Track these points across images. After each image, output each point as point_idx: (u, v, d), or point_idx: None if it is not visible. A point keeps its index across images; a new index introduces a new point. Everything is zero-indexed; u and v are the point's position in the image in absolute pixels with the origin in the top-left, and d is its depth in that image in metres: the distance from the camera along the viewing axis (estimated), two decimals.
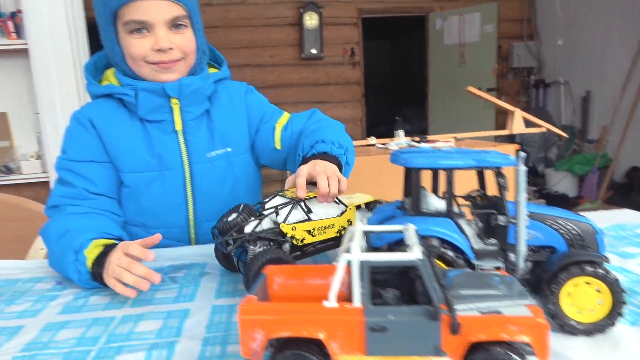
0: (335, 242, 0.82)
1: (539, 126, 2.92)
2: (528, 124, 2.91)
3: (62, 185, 0.98)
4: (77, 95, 2.48)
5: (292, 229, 0.77)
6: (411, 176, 0.58)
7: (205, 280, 0.82)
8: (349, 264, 0.43)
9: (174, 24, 0.94)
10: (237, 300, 0.73)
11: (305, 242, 0.79)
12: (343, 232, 0.82)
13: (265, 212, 0.78)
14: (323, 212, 0.81)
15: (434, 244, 0.50)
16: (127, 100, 1.00)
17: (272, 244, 0.75)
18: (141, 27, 0.93)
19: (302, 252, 0.80)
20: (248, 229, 0.76)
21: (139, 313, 0.71)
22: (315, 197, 0.80)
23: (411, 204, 0.58)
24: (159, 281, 0.72)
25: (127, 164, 1.02)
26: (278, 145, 1.13)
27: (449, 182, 0.56)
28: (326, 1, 5.37)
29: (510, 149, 2.25)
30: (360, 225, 0.51)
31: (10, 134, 2.67)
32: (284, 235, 0.76)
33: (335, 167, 0.87)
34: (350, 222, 0.83)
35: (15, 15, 2.42)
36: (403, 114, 7.66)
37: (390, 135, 3.01)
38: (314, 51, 5.40)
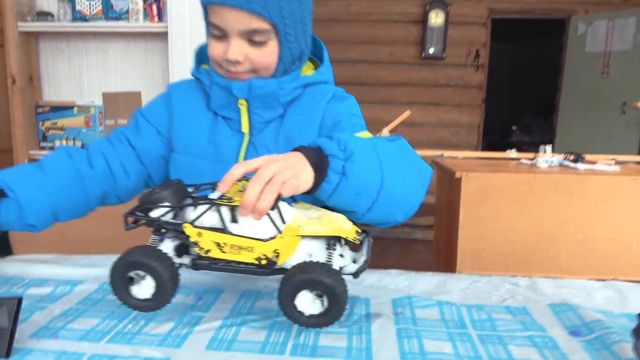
0: (250, 269, 0.64)
1: None
2: None
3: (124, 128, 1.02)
4: None
5: (197, 234, 0.61)
6: None
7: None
8: None
9: (252, 38, 0.84)
10: None
11: (211, 254, 0.62)
12: (264, 262, 0.62)
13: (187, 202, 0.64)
14: (251, 227, 0.61)
15: None
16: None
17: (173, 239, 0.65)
18: (219, 33, 0.85)
19: (209, 265, 0.64)
20: (156, 213, 0.63)
21: None
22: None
23: None
24: None
25: (183, 144, 0.97)
26: None
27: None
28: None
29: None
30: None
31: None
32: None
33: (302, 170, 0.62)
34: (277, 254, 0.61)
35: (159, 0, 2.46)
36: (522, 123, 7.06)
37: (505, 145, 2.71)
38: (435, 51, 5.09)
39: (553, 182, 1.84)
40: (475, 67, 5.18)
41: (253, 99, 0.91)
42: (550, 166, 2.04)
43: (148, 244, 0.64)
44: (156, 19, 2.45)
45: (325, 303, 0.60)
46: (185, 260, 0.65)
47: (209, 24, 0.86)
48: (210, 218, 0.62)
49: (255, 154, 0.94)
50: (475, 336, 0.62)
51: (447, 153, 2.33)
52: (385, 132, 2.27)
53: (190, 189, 0.69)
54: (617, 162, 2.21)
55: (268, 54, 0.86)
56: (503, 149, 2.55)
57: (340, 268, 0.63)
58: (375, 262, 0.71)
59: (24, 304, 0.70)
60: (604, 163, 2.08)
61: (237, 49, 0.84)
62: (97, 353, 0.58)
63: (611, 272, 1.89)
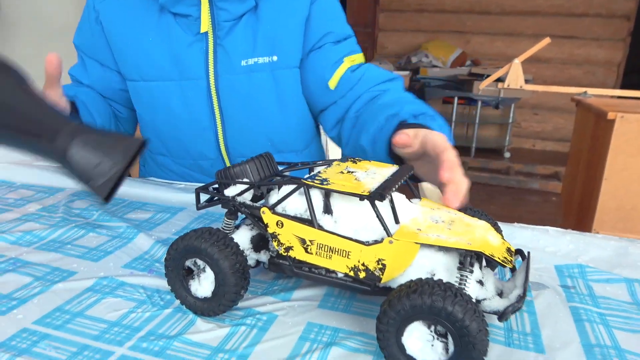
0: (346, 283, 0.45)
1: None
2: None
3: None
4: None
5: (277, 223, 0.45)
6: None
7: None
8: None
9: None
10: None
11: (292, 254, 0.45)
12: (362, 275, 0.43)
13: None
14: (350, 223, 0.43)
15: None
16: None
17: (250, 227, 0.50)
18: None
19: (289, 268, 0.47)
20: (230, 191, 0.49)
21: None
22: (338, 191, 0.42)
23: None
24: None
25: (134, 67, 0.80)
26: (333, 84, 0.81)
27: None
28: None
29: None
30: None
31: None
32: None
33: None
34: (382, 266, 0.41)
35: None
36: None
37: None
38: None
39: None
40: None
41: None
42: None
43: (220, 228, 0.48)
44: None
45: (451, 348, 0.36)
46: (263, 257, 0.49)
47: None
48: (298, 204, 0.45)
49: (227, 61, 0.77)
50: None
51: (592, 91, 1.96)
52: (516, 62, 1.95)
53: (281, 167, 0.55)
54: None
55: None
56: None
57: (478, 301, 0.42)
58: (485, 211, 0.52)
59: (121, 227, 0.63)
60: None
61: None
62: None
63: None
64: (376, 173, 0.46)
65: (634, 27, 4.55)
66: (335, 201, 0.44)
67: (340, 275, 0.44)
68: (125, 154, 0.43)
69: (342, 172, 0.46)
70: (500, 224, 0.58)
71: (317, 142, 0.96)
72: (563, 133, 4.66)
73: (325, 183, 0.43)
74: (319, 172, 0.47)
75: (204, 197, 0.51)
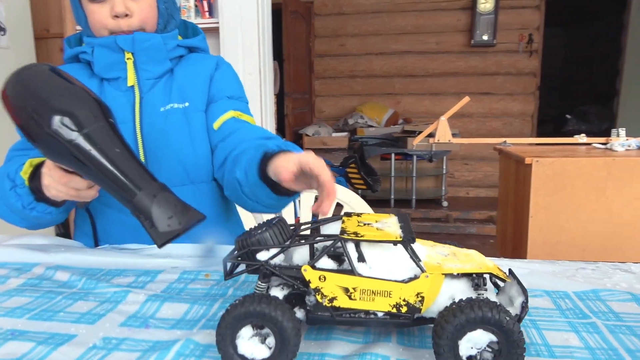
0: (387, 321, 0.51)
1: None
2: None
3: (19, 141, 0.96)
4: (259, 75, 2.46)
5: (320, 277, 0.50)
6: None
7: None
8: None
9: None
10: None
11: (336, 304, 0.51)
12: (404, 310, 0.50)
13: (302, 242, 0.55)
14: (382, 267, 0.51)
15: None
16: (87, 59, 0.97)
17: (288, 287, 0.54)
18: None
19: (331, 318, 0.52)
20: (262, 256, 0.53)
21: None
22: (376, 240, 0.50)
23: None
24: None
25: None
26: (216, 125, 1.00)
27: None
28: None
29: None
30: None
31: None
32: (306, 283, 0.51)
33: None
34: (421, 299, 0.49)
35: None
36: (578, 111, 6.73)
37: (560, 135, 2.59)
38: (485, 37, 4.91)
39: (636, 165, 1.70)
40: (529, 53, 4.96)
41: (139, 53, 0.95)
42: (628, 149, 1.90)
43: (254, 292, 0.52)
44: (207, 15, 2.46)
45: (501, 349, 0.45)
46: (299, 313, 0.53)
47: None
48: (327, 260, 0.52)
49: (150, 109, 0.96)
50: (603, 326, 0.55)
51: (510, 140, 2.21)
52: (443, 119, 2.18)
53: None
54: None
55: (147, 4, 0.94)
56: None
57: None
58: None
59: (108, 292, 0.68)
60: None
61: (122, 3, 0.91)
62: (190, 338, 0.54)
63: None
64: (386, 222, 0.55)
65: (540, 82, 5.13)
66: (365, 250, 0.52)
67: (380, 314, 0.51)
68: (190, 220, 0.53)
69: (359, 225, 0.54)
70: None
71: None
72: (492, 180, 5.03)
73: (357, 236, 0.50)
74: (342, 227, 0.53)
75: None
